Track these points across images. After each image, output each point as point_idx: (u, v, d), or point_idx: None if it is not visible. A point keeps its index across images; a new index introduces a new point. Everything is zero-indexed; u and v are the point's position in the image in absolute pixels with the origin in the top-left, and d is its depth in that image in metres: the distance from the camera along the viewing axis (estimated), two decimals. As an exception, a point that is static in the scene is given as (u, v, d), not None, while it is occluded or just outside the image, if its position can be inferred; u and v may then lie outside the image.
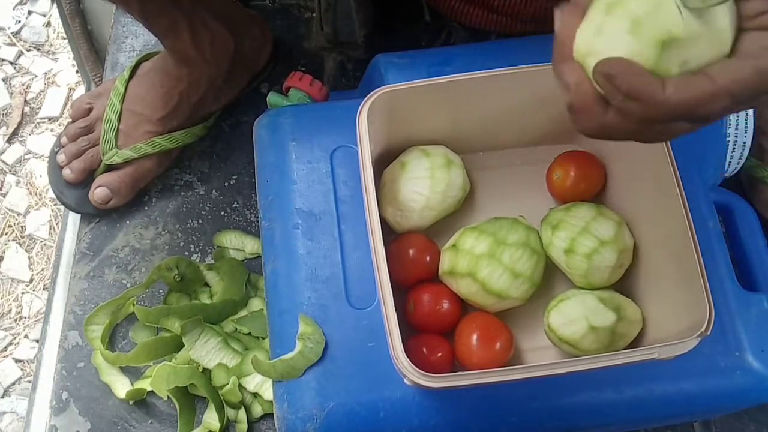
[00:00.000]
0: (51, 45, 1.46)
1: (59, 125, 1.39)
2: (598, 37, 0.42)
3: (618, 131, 0.42)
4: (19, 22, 1.47)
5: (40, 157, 1.36)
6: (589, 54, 0.42)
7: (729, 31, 0.40)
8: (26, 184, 1.35)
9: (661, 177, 0.60)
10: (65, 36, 1.16)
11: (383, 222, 0.65)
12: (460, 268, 0.63)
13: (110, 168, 0.84)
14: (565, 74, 0.43)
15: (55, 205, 1.32)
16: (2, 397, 1.20)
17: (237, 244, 0.85)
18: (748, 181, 0.85)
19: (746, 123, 0.73)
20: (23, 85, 1.42)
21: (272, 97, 0.80)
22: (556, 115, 0.69)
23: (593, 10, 0.43)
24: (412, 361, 0.53)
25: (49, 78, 1.43)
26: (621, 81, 0.39)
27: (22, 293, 1.27)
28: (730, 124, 0.72)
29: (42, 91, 1.42)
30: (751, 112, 0.73)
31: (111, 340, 0.81)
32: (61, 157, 0.85)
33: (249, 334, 0.78)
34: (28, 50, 1.46)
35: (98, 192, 0.83)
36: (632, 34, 0.40)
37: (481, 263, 0.62)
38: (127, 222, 0.87)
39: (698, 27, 0.40)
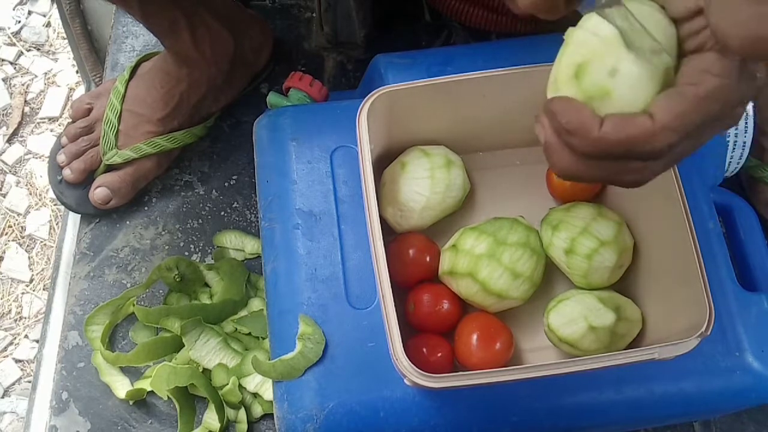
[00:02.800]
0: (51, 45, 1.46)
1: (59, 125, 1.39)
2: (553, 85, 0.45)
3: (579, 172, 0.43)
4: (19, 22, 1.47)
5: (40, 157, 1.36)
6: (550, 84, 0.46)
7: (671, 62, 0.41)
8: (26, 184, 1.35)
9: (661, 177, 0.60)
10: (65, 36, 1.16)
11: (383, 222, 0.65)
12: (460, 269, 0.63)
13: (110, 168, 0.84)
14: (540, 116, 0.45)
15: (55, 205, 1.32)
16: (2, 397, 1.20)
17: (237, 244, 0.85)
18: (748, 181, 0.85)
19: (746, 123, 0.73)
20: (23, 85, 1.42)
21: (272, 97, 0.80)
22: (556, 115, 0.69)
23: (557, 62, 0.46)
24: (412, 361, 0.53)
25: (49, 78, 1.43)
26: (560, 117, 0.41)
27: (22, 293, 1.27)
28: (730, 124, 0.72)
29: (42, 91, 1.42)
30: (751, 112, 0.73)
31: (111, 340, 0.81)
32: (61, 157, 0.85)
33: (249, 334, 0.78)
34: (28, 50, 1.46)
35: (98, 192, 0.83)
36: (576, 78, 0.43)
37: (481, 263, 0.62)
38: (127, 222, 0.87)
39: (639, 69, 0.41)
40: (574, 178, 0.44)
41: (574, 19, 0.47)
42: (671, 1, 0.40)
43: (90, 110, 0.86)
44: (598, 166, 0.42)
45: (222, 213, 0.87)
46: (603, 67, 0.42)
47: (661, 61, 0.40)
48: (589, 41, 0.43)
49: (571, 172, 0.43)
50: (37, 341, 1.12)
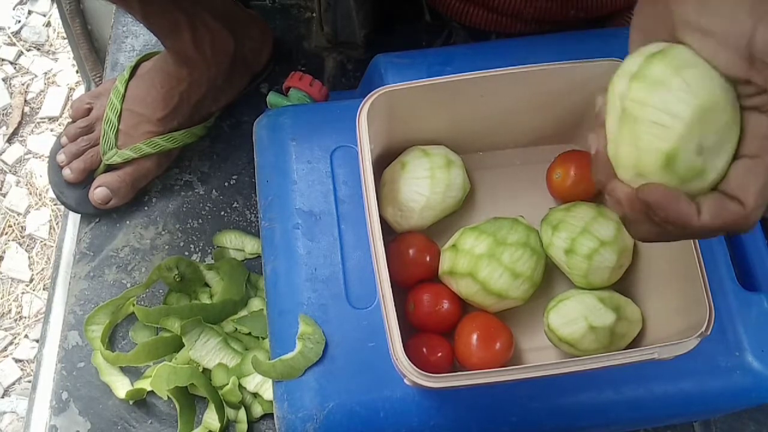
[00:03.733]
0: (51, 45, 1.46)
1: (59, 125, 1.39)
2: (632, 168, 0.43)
3: (659, 239, 0.45)
4: (19, 22, 1.47)
5: (40, 157, 1.36)
6: (613, 141, 0.44)
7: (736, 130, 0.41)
8: (26, 184, 1.35)
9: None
10: (65, 36, 1.16)
11: (383, 222, 0.65)
12: (460, 268, 0.63)
13: (110, 168, 0.84)
14: (616, 191, 0.45)
15: (55, 205, 1.32)
16: (2, 397, 1.20)
17: (237, 244, 0.85)
18: (748, 181, 0.85)
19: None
20: (23, 85, 1.42)
21: (272, 97, 0.80)
22: (556, 115, 0.69)
23: (609, 121, 0.44)
24: (412, 361, 0.53)
25: (49, 78, 1.43)
26: (657, 210, 0.41)
27: (22, 293, 1.27)
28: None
29: (42, 91, 1.42)
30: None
31: (111, 340, 0.81)
32: (61, 157, 0.85)
33: (249, 334, 0.78)
34: (28, 50, 1.46)
35: (98, 192, 0.83)
36: (668, 167, 0.41)
37: (481, 263, 0.62)
38: (127, 222, 0.87)
39: (721, 139, 0.41)
40: (654, 241, 0.46)
41: (573, 20, 0.47)
42: (720, 65, 0.41)
43: (90, 110, 0.86)
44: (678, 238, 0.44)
45: (222, 213, 0.87)
46: (690, 147, 0.41)
47: (732, 123, 0.41)
48: (661, 119, 0.41)
49: (651, 240, 0.45)
50: (37, 341, 1.12)
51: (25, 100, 1.41)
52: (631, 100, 0.42)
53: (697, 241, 0.57)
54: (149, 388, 0.77)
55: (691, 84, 0.40)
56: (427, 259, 0.67)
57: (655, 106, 0.41)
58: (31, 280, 1.28)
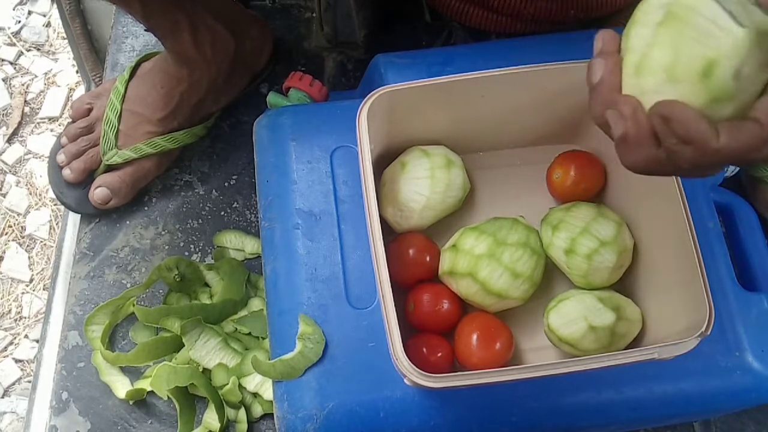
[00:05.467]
0: (51, 45, 1.46)
1: (59, 125, 1.39)
2: (660, 72, 0.42)
3: (664, 168, 0.43)
4: (19, 22, 1.47)
5: (40, 157, 1.36)
6: (642, 94, 0.42)
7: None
8: (26, 184, 1.35)
9: (661, 177, 0.60)
10: (65, 36, 1.16)
11: (383, 222, 0.65)
12: (460, 268, 0.63)
13: (110, 168, 0.84)
14: (620, 104, 0.43)
15: (55, 205, 1.32)
16: (2, 397, 1.20)
17: (237, 244, 0.85)
18: (748, 181, 0.85)
19: (746, 123, 0.73)
20: (23, 85, 1.42)
21: (272, 97, 0.80)
22: (556, 115, 0.69)
23: (634, 50, 0.43)
24: (412, 361, 0.53)
25: (49, 78, 1.43)
26: (678, 126, 0.39)
27: (22, 293, 1.27)
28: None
29: (42, 91, 1.42)
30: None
31: (111, 340, 0.81)
32: (61, 157, 0.85)
33: (249, 334, 0.78)
34: (28, 50, 1.46)
35: (98, 192, 0.83)
36: (706, 77, 0.40)
37: (481, 263, 0.62)
38: (127, 222, 0.87)
39: (757, 72, 0.39)
40: (644, 173, 0.44)
41: (573, 20, 0.47)
42: None
43: (90, 110, 0.86)
44: (694, 170, 0.42)
45: (222, 213, 0.87)
46: (731, 65, 0.39)
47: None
48: (710, 30, 0.40)
49: (646, 169, 0.43)
50: (37, 341, 1.12)
51: (25, 100, 1.41)
52: (681, 4, 0.41)
53: (697, 241, 0.57)
54: (149, 388, 0.77)
55: (745, 5, 0.39)
56: (427, 259, 0.67)
57: (706, 16, 0.40)
58: (31, 280, 1.28)
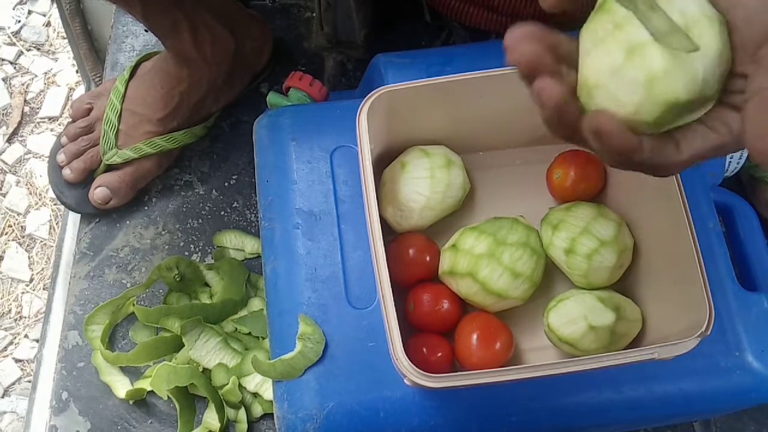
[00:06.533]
0: (51, 45, 1.46)
1: (59, 125, 1.39)
2: (612, 78, 0.42)
3: (586, 146, 0.44)
4: (19, 21, 1.47)
5: (40, 157, 1.36)
6: (597, 87, 0.42)
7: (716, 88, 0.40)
8: (26, 184, 1.35)
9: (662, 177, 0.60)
10: (65, 36, 1.16)
11: (383, 222, 0.65)
12: (460, 268, 0.63)
13: (110, 168, 0.84)
14: (544, 90, 0.42)
15: (55, 205, 1.32)
16: (2, 397, 1.20)
17: (237, 244, 0.85)
18: (748, 181, 0.85)
19: (746, 123, 0.73)
20: (23, 85, 1.42)
21: (272, 97, 0.80)
22: (556, 115, 0.69)
23: (591, 40, 0.44)
24: (412, 361, 0.53)
25: (49, 78, 1.43)
26: (607, 139, 0.40)
27: (22, 293, 1.27)
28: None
29: (42, 91, 1.42)
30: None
31: (111, 340, 0.81)
32: (61, 157, 0.85)
33: (249, 334, 0.78)
34: (28, 50, 1.46)
35: (98, 192, 0.83)
36: (646, 88, 0.40)
37: (481, 263, 0.62)
38: (127, 222, 0.87)
39: (698, 87, 0.40)
40: (577, 146, 0.45)
41: (573, 20, 0.47)
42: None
43: (90, 110, 0.86)
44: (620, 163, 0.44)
45: (222, 213, 0.87)
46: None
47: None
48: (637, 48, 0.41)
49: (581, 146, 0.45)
50: (37, 341, 1.12)
51: (25, 100, 1.41)
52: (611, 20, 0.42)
53: (697, 241, 0.57)
54: (149, 388, 0.77)
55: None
56: (427, 259, 0.67)
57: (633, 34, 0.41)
58: (31, 280, 1.28)
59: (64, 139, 0.86)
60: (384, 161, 0.70)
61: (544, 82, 0.42)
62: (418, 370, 0.53)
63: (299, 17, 0.99)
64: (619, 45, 0.42)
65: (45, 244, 1.30)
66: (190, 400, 0.77)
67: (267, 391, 0.74)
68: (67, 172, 0.84)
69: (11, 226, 1.31)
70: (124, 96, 0.84)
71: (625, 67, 0.41)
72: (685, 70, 0.40)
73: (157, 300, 0.83)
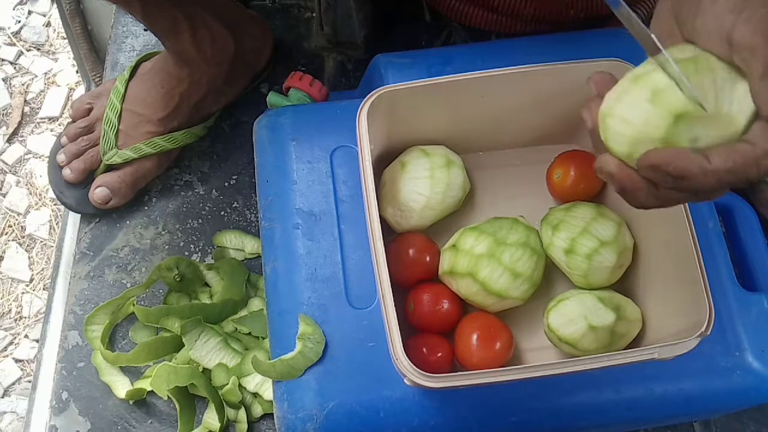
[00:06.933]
0: (51, 45, 1.46)
1: (59, 125, 1.39)
2: (618, 103, 0.45)
3: (671, 202, 0.45)
4: (19, 22, 1.47)
5: (40, 157, 1.36)
6: (608, 115, 0.45)
7: (743, 117, 0.42)
8: (26, 184, 1.35)
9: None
10: (65, 36, 1.16)
11: (383, 222, 0.65)
12: (460, 268, 0.63)
13: (110, 168, 0.84)
14: (603, 166, 0.46)
15: (55, 205, 1.32)
16: (2, 397, 1.20)
17: (237, 244, 0.85)
18: (748, 181, 0.85)
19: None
20: (23, 85, 1.42)
21: (272, 97, 0.80)
22: (556, 115, 0.69)
23: (620, 83, 0.46)
24: (412, 361, 0.53)
25: (49, 78, 1.43)
26: (669, 168, 0.42)
27: (22, 293, 1.27)
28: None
29: (42, 91, 1.42)
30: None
31: (111, 340, 0.81)
32: (61, 157, 0.85)
33: (249, 334, 0.78)
34: (28, 50, 1.46)
35: (98, 192, 0.83)
36: (651, 103, 0.43)
37: (481, 263, 0.62)
38: (127, 222, 0.87)
39: (713, 107, 0.42)
40: (657, 208, 0.46)
41: (573, 20, 0.47)
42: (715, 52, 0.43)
43: (90, 110, 0.86)
44: (699, 196, 0.44)
45: (222, 213, 0.87)
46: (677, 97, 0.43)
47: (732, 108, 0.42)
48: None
49: (655, 206, 0.46)
50: (37, 341, 1.12)
51: (25, 100, 1.41)
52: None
53: (697, 241, 0.57)
54: (149, 388, 0.77)
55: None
56: (427, 259, 0.67)
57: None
58: (31, 280, 1.28)
59: (64, 139, 0.86)
60: (384, 161, 0.70)
61: (603, 156, 0.46)
62: (418, 370, 0.53)
63: (299, 17, 0.99)
64: (626, 80, 0.45)
65: (45, 244, 1.30)
66: (190, 400, 0.77)
67: (267, 391, 0.74)
68: (67, 172, 0.84)
69: (11, 226, 1.31)
70: (124, 96, 0.84)
71: (631, 89, 0.44)
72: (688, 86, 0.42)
73: (157, 300, 0.83)
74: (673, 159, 0.41)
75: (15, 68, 1.44)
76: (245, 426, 0.75)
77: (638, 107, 0.43)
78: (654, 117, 0.43)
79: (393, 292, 0.55)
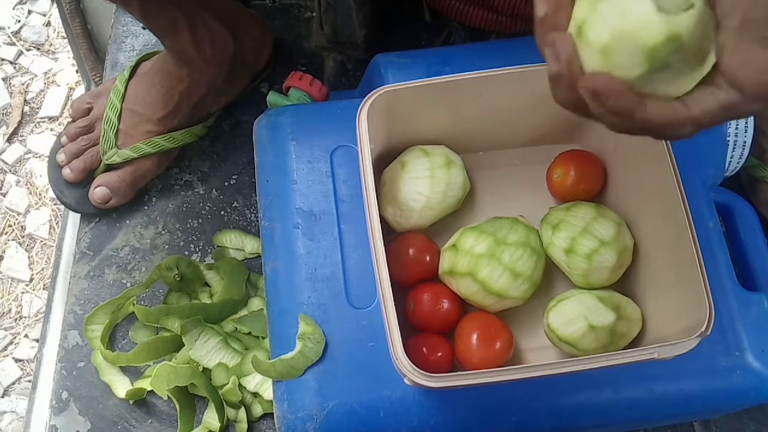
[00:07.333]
0: (51, 45, 1.46)
1: (59, 125, 1.39)
2: (594, 12, 0.42)
3: (589, 114, 0.44)
4: (19, 21, 1.47)
5: (40, 157, 1.36)
6: (585, 22, 0.42)
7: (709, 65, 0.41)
8: (26, 184, 1.35)
9: (661, 177, 0.60)
10: (65, 36, 1.17)
11: (383, 222, 0.65)
12: (460, 268, 0.63)
13: (110, 168, 0.84)
14: (557, 44, 0.44)
15: (55, 204, 1.32)
16: (2, 397, 1.20)
17: (237, 243, 0.85)
18: (748, 181, 0.85)
19: (746, 123, 0.73)
20: (23, 84, 1.42)
21: (272, 97, 0.80)
22: (556, 115, 0.69)
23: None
24: (412, 361, 0.53)
25: (49, 78, 1.43)
26: (605, 99, 0.41)
27: (22, 293, 1.27)
28: (730, 124, 0.72)
29: (42, 91, 1.42)
30: (751, 112, 0.73)
31: (111, 340, 0.81)
32: (61, 157, 0.85)
33: (249, 333, 0.78)
34: (28, 50, 1.46)
35: (98, 192, 0.83)
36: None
37: (481, 263, 0.62)
38: (127, 222, 0.87)
39: (689, 32, 0.40)
40: (574, 113, 0.45)
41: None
42: None
43: (90, 109, 0.86)
44: (618, 125, 0.43)
45: (222, 212, 0.87)
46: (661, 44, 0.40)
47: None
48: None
49: (573, 111, 0.44)
50: (37, 341, 1.12)
51: (25, 100, 1.41)
52: None
53: (697, 241, 0.57)
54: (149, 388, 0.77)
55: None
56: (427, 259, 0.67)
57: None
58: (31, 280, 1.28)
59: (64, 139, 0.86)
60: (384, 161, 0.70)
61: (559, 34, 0.43)
62: (418, 370, 0.53)
63: (299, 17, 0.99)
64: None
65: (45, 243, 1.30)
66: (190, 400, 0.77)
67: (267, 391, 0.74)
68: (67, 172, 0.84)
69: (11, 226, 1.31)
70: (124, 95, 0.84)
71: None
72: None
73: (157, 300, 0.83)
74: (611, 91, 0.40)
75: (15, 68, 1.44)
76: (245, 426, 0.75)
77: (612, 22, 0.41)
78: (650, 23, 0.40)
79: (393, 291, 0.55)
